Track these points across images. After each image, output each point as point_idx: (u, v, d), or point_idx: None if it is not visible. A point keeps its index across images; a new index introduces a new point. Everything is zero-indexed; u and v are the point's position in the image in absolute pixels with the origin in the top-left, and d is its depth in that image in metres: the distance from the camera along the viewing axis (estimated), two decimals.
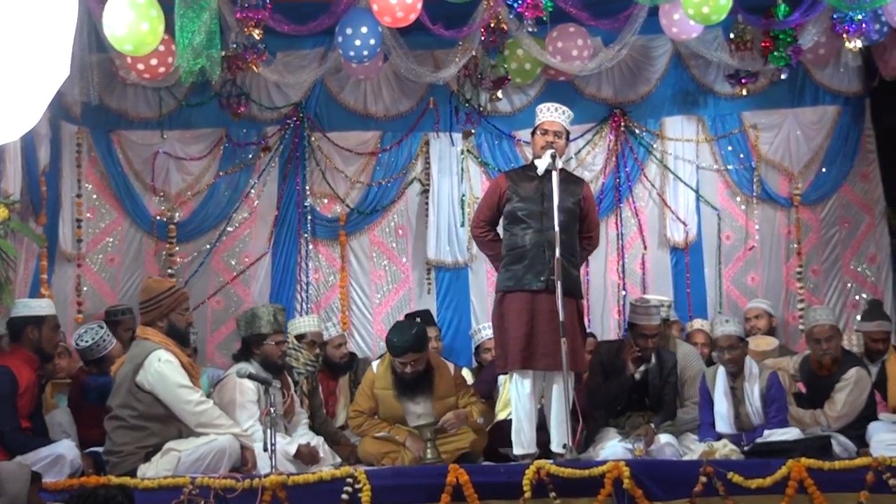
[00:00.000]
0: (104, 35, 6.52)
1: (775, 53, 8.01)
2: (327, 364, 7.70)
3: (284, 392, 6.63)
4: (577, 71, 8.30)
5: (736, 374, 6.73)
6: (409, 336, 6.62)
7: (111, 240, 8.58)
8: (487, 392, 7.29)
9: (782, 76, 8.48)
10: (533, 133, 6.54)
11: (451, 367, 6.95)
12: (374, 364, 6.95)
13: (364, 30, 7.49)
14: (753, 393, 6.67)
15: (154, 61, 7.41)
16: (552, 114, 6.46)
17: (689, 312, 8.82)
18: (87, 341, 6.87)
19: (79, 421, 6.59)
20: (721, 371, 6.76)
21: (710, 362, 7.38)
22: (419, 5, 7.15)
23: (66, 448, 5.79)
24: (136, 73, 7.67)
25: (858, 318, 8.09)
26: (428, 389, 6.68)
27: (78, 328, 7.26)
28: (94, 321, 7.37)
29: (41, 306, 6.33)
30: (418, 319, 7.85)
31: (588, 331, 8.04)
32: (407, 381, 6.65)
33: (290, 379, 6.76)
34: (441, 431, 6.49)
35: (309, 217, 8.83)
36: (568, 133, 6.55)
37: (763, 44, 8.13)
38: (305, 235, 8.82)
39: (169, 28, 6.70)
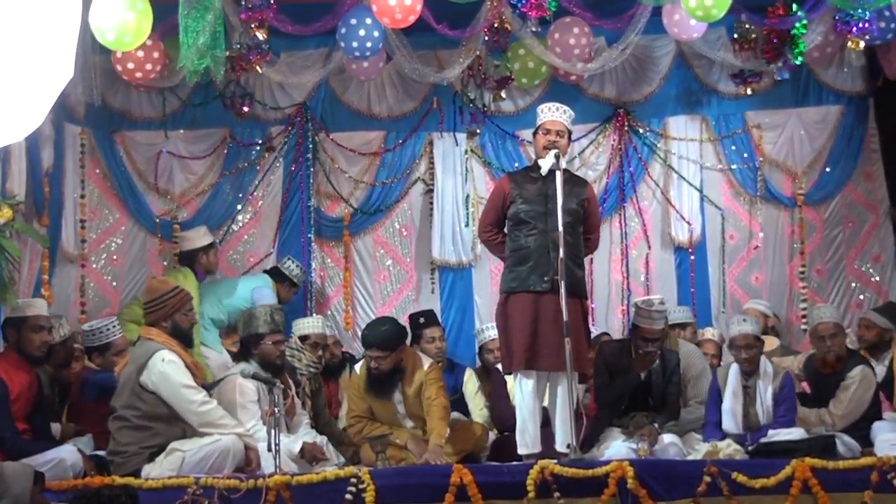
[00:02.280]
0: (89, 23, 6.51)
1: (795, 50, 7.95)
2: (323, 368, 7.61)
3: (286, 392, 6.63)
4: (580, 71, 8.29)
5: (750, 373, 6.72)
6: (376, 332, 6.74)
7: (114, 240, 8.58)
8: (506, 404, 7.10)
9: (776, 77, 8.47)
10: (534, 133, 6.53)
11: (427, 363, 6.90)
12: (357, 366, 6.98)
13: (368, 21, 7.49)
14: (766, 392, 6.66)
15: (133, 63, 7.57)
16: (553, 113, 6.45)
17: (694, 312, 8.80)
18: (91, 325, 6.91)
19: (77, 418, 6.59)
20: (734, 368, 6.76)
21: None
22: (418, 7, 7.15)
23: (68, 452, 5.76)
24: (128, 74, 7.70)
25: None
26: (392, 389, 6.76)
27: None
28: (108, 317, 7.42)
29: (23, 308, 6.18)
30: (422, 320, 7.84)
31: (601, 332, 8.06)
32: (374, 377, 6.74)
33: (290, 379, 6.76)
34: (391, 444, 6.50)
35: (313, 217, 8.83)
36: (570, 132, 6.54)
37: (770, 42, 8.09)
38: (309, 235, 8.82)
39: (171, 30, 6.70)
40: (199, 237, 8.21)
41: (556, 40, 8.12)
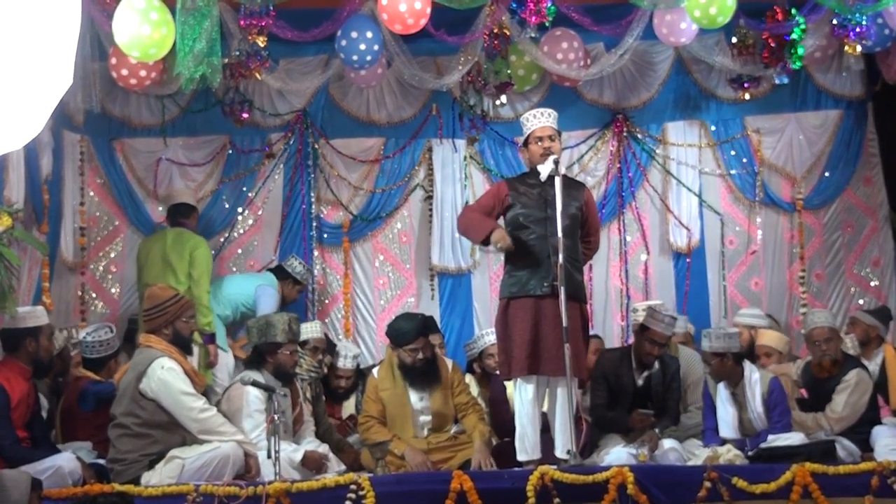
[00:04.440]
0: (115, 43, 6.56)
1: (794, 55, 7.95)
2: (327, 389, 7.54)
3: (295, 401, 6.61)
4: (575, 75, 8.29)
5: (737, 381, 6.72)
6: (418, 321, 6.77)
7: (114, 247, 8.58)
8: (506, 410, 7.06)
9: (775, 81, 8.47)
10: (526, 143, 6.52)
11: (450, 362, 6.96)
12: (375, 371, 6.97)
13: (369, 34, 7.50)
14: (755, 398, 6.66)
15: (127, 70, 7.54)
16: (539, 119, 6.45)
17: (690, 316, 8.80)
18: (86, 334, 6.92)
19: (73, 427, 6.57)
20: None
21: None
22: (428, 9, 7.15)
23: (66, 460, 5.73)
24: (122, 81, 7.69)
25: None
26: (436, 379, 6.73)
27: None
28: (105, 324, 7.40)
29: (36, 316, 6.19)
30: None
31: (593, 333, 8.05)
32: (417, 371, 6.68)
33: (299, 388, 6.75)
34: (390, 453, 6.50)
35: (313, 224, 8.82)
36: (559, 133, 6.55)
37: (769, 47, 8.09)
38: (311, 242, 8.81)
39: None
40: (188, 194, 8.29)
41: (544, 53, 8.12)
